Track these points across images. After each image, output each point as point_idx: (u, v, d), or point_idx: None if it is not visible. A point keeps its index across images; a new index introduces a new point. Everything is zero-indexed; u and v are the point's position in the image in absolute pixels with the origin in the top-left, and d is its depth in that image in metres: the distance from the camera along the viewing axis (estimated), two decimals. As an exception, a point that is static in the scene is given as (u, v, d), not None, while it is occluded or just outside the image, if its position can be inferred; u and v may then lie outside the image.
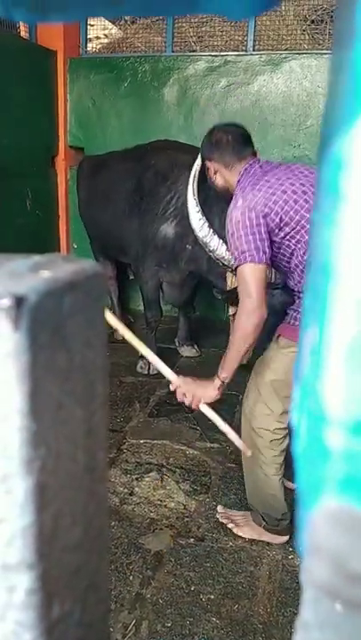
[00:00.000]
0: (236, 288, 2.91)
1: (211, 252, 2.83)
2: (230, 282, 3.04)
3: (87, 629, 0.34)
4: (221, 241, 2.77)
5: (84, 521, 0.33)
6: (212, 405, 1.75)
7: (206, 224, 2.81)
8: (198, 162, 2.87)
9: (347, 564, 0.28)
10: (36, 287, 0.26)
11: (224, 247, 2.77)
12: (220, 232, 2.91)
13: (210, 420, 1.64)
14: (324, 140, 0.31)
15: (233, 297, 2.90)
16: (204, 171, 3.02)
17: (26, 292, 0.25)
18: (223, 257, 2.78)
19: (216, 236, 2.79)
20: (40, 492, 0.28)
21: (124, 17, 4.62)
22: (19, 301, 0.25)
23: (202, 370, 3.47)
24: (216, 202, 2.93)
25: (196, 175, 2.86)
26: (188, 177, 2.99)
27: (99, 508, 0.34)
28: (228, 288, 3.05)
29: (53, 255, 0.32)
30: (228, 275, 3.02)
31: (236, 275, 2.88)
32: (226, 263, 2.81)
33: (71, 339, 0.29)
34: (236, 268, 1.84)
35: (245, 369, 2.20)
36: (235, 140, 1.92)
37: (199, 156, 2.87)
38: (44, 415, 0.28)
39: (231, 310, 3.21)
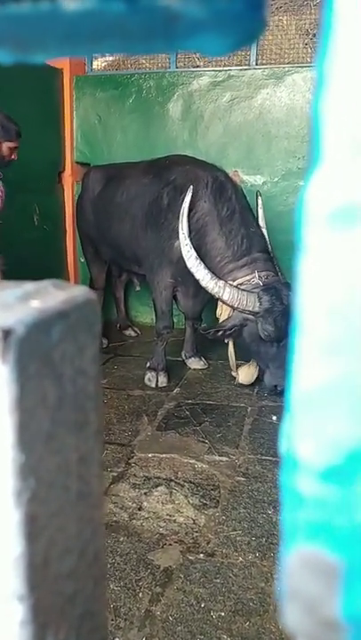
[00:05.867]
0: (222, 325, 3.00)
1: (198, 280, 2.94)
2: (220, 309, 3.09)
3: None
4: (207, 271, 2.89)
5: (79, 548, 0.33)
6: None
7: (194, 255, 2.92)
8: (188, 197, 2.96)
9: (319, 610, 0.28)
10: (23, 319, 0.26)
11: (208, 277, 2.87)
12: (238, 256, 3.00)
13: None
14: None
15: (220, 335, 2.99)
16: (226, 190, 3.09)
17: (13, 325, 0.25)
18: (207, 287, 2.90)
19: (202, 266, 2.90)
20: (30, 522, 0.28)
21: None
22: (6, 334, 0.25)
23: (210, 382, 3.46)
24: (239, 223, 3.01)
25: (186, 209, 2.97)
26: (207, 193, 3.05)
27: (94, 534, 0.34)
28: (218, 316, 3.13)
29: (45, 282, 0.32)
30: (219, 304, 3.08)
31: (225, 304, 2.98)
32: (210, 292, 2.92)
33: (62, 367, 0.29)
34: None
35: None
36: None
37: (189, 191, 2.95)
38: (33, 446, 0.27)
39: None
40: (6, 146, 2.86)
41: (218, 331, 3.00)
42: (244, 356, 3.28)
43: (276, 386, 2.97)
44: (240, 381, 3.30)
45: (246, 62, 4.24)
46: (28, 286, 0.30)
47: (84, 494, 0.33)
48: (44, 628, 0.30)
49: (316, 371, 0.28)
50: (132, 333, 4.40)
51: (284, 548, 0.30)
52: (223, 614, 1.63)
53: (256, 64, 4.20)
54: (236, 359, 3.29)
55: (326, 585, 0.28)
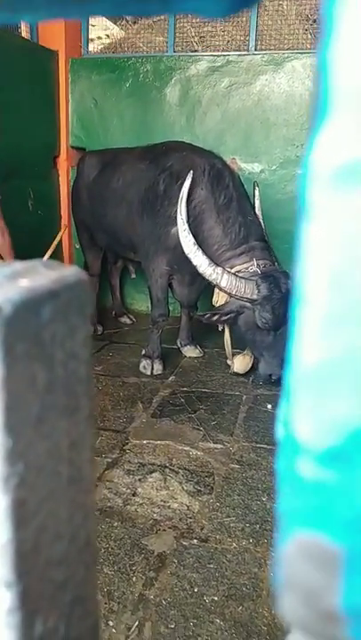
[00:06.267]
0: (218, 309, 2.98)
1: (195, 267, 2.91)
2: (217, 297, 3.08)
3: None
4: (205, 257, 2.87)
5: (70, 534, 0.32)
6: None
7: (192, 241, 2.90)
8: (188, 182, 2.94)
9: (318, 601, 0.27)
10: (11, 297, 0.25)
11: (206, 263, 2.86)
12: (240, 239, 2.99)
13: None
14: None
15: (216, 320, 2.98)
16: (224, 178, 3.06)
17: (0, 303, 0.24)
18: (205, 273, 2.88)
19: (200, 252, 2.87)
20: (18, 508, 0.27)
21: (125, 16, 4.62)
22: None
23: (205, 370, 3.47)
24: (236, 211, 2.99)
25: (185, 193, 2.94)
26: (204, 180, 3.02)
27: (85, 519, 0.33)
28: (214, 304, 3.12)
29: (35, 262, 0.31)
30: (216, 291, 3.07)
31: (221, 291, 2.97)
32: (208, 279, 2.90)
33: (52, 349, 0.28)
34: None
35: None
36: None
37: (189, 176, 2.93)
38: (22, 430, 0.27)
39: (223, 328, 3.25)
40: None
41: (214, 314, 2.99)
42: (239, 345, 3.28)
43: (270, 375, 2.97)
44: (235, 370, 3.30)
45: (245, 48, 4.19)
46: (17, 265, 0.29)
47: (75, 479, 0.32)
48: (33, 615, 0.29)
49: (318, 344, 0.26)
50: (128, 321, 4.39)
51: (281, 535, 0.29)
52: (216, 599, 1.64)
53: (255, 49, 4.15)
54: (232, 348, 3.29)
55: (326, 574, 0.26)
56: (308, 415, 0.27)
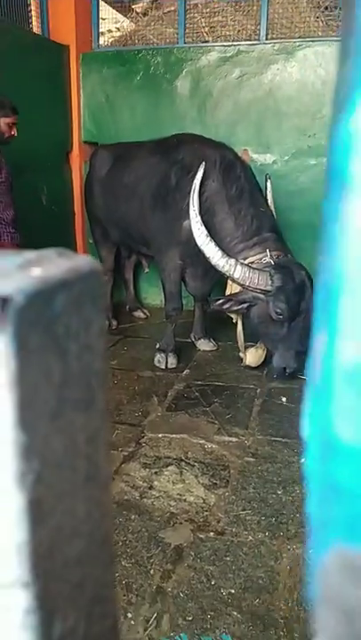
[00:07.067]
0: (232, 296, 2.95)
1: (207, 259, 2.88)
2: (230, 290, 3.06)
3: None
4: (218, 249, 2.84)
5: (87, 532, 0.31)
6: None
7: (205, 232, 2.87)
8: (200, 174, 2.91)
9: (357, 621, 0.25)
10: (23, 287, 0.24)
11: (219, 254, 2.83)
12: (249, 236, 2.97)
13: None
14: (332, 126, 0.29)
15: (228, 307, 2.96)
16: (235, 169, 3.04)
17: (11, 292, 0.24)
18: (217, 265, 2.85)
19: (213, 244, 2.84)
20: (35, 506, 0.26)
21: (135, 9, 4.60)
22: (3, 302, 0.23)
23: (219, 363, 3.46)
24: (248, 203, 2.97)
25: (197, 185, 2.92)
26: (216, 172, 3.00)
27: (103, 516, 0.33)
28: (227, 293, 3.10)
29: (48, 251, 0.30)
30: (229, 283, 3.04)
31: (234, 282, 2.94)
32: (220, 270, 2.87)
33: (66, 341, 0.28)
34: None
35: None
36: None
37: (201, 168, 2.91)
38: (37, 425, 0.26)
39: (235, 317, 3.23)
40: (3, 121, 2.85)
41: (228, 300, 2.97)
42: (252, 338, 3.26)
43: (285, 368, 2.95)
44: (247, 363, 3.28)
45: (256, 37, 4.14)
46: (30, 255, 0.29)
47: (92, 476, 0.31)
48: (52, 616, 0.28)
49: None
50: (142, 315, 4.39)
51: (317, 545, 0.27)
52: (233, 591, 1.65)
53: (266, 39, 4.09)
54: (245, 341, 3.28)
55: None
56: (350, 416, 0.25)
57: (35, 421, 0.26)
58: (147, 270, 4.22)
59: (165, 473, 2.25)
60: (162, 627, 1.52)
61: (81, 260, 0.29)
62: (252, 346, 3.28)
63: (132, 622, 1.53)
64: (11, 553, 0.26)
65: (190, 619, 1.55)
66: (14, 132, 2.94)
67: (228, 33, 4.27)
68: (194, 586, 1.67)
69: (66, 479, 0.29)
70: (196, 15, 4.32)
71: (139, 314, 4.40)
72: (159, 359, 3.39)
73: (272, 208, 3.29)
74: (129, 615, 1.55)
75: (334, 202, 0.26)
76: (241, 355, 3.34)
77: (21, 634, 0.27)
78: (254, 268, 2.85)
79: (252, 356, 3.26)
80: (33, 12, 4.23)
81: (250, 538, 1.88)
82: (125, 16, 4.68)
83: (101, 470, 0.32)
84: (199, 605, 1.59)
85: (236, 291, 3.00)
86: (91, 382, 0.30)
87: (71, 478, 0.30)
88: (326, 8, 4.12)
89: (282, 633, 1.51)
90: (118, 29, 4.73)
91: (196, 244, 2.94)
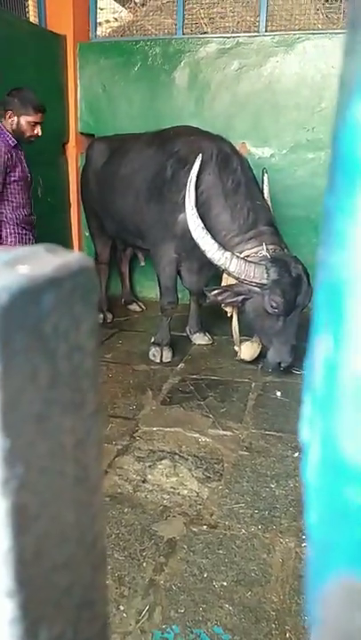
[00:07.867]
0: (228, 287, 2.95)
1: (203, 252, 2.86)
2: (225, 283, 3.05)
3: None
4: (214, 242, 2.83)
5: (75, 536, 0.31)
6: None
7: (201, 225, 2.87)
8: (197, 166, 2.90)
9: None
10: (8, 285, 0.24)
11: (215, 248, 2.83)
12: (245, 229, 2.96)
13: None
14: (339, 114, 0.26)
15: (223, 298, 2.96)
16: (232, 162, 3.02)
17: None
18: (213, 258, 2.85)
19: (209, 237, 2.84)
20: (19, 513, 0.26)
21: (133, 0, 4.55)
22: None
23: (214, 357, 3.46)
24: (244, 196, 2.96)
25: (194, 178, 2.90)
26: (212, 165, 2.99)
27: (92, 519, 0.32)
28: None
29: (38, 247, 0.29)
30: (224, 277, 3.04)
31: (230, 275, 2.94)
32: (217, 264, 2.87)
33: (54, 342, 0.27)
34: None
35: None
36: None
37: (197, 160, 2.89)
38: (22, 429, 0.25)
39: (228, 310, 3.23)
40: (25, 120, 2.78)
41: (224, 291, 2.97)
42: (247, 332, 3.26)
43: (279, 363, 2.95)
44: (241, 357, 3.28)
45: (255, 29, 4.11)
46: (18, 251, 0.28)
47: (81, 479, 0.31)
48: (38, 624, 0.28)
49: None
50: (137, 308, 4.39)
51: (318, 569, 0.25)
52: (225, 584, 1.66)
53: (265, 31, 4.06)
54: (240, 335, 3.28)
55: None
56: (358, 432, 0.23)
57: (19, 425, 0.25)
58: (143, 263, 4.21)
59: (159, 466, 2.26)
60: (154, 619, 1.53)
61: (71, 257, 0.28)
62: (248, 340, 3.28)
63: (125, 615, 1.54)
64: None
65: (182, 611, 1.56)
66: (37, 131, 2.84)
67: (227, 24, 4.23)
68: (186, 578, 1.67)
69: (52, 484, 0.28)
70: (195, 6, 4.28)
71: (134, 307, 4.40)
72: (154, 353, 3.38)
73: (269, 202, 3.28)
74: (121, 608, 1.56)
75: (341, 194, 0.24)
76: (236, 348, 3.34)
77: None
78: (250, 262, 2.84)
79: (248, 350, 3.27)
80: (30, 1, 4.18)
81: (243, 531, 1.89)
82: (124, 6, 4.63)
83: (91, 473, 0.31)
84: (191, 598, 1.60)
85: (232, 283, 2.99)
86: (81, 383, 0.29)
87: (58, 483, 0.29)
88: (327, 0, 4.09)
89: (274, 625, 1.52)
90: (116, 19, 4.68)
91: (191, 238, 2.93)
